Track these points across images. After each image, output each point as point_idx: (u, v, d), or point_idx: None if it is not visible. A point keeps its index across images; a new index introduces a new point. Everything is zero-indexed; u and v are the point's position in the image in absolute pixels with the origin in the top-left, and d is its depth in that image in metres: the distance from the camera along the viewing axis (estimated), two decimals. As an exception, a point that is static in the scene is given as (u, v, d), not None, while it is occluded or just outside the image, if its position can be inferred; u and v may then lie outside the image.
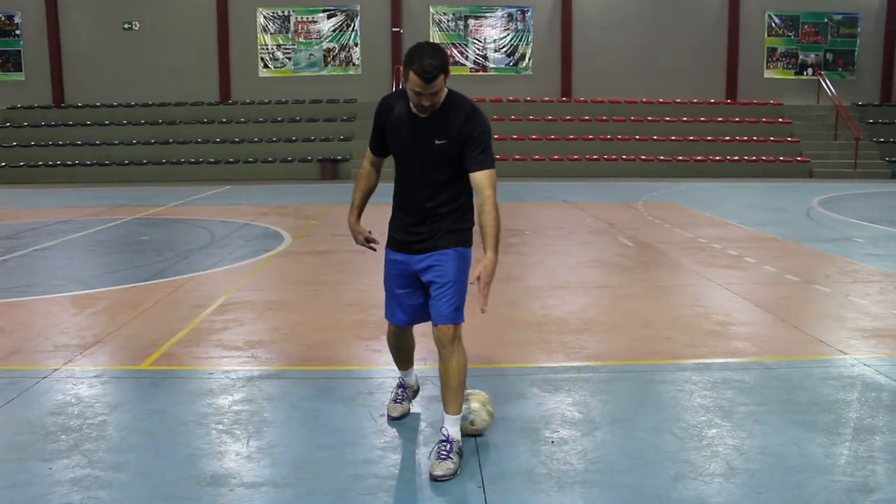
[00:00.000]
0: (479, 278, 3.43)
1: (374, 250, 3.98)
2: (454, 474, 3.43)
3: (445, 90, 3.50)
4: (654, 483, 3.35)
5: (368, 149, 3.85)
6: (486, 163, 3.51)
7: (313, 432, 3.95)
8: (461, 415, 3.64)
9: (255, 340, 5.67)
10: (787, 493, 3.24)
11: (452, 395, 3.57)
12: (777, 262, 8.73)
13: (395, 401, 4.15)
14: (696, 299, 7.00)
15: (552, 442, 3.80)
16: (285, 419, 4.15)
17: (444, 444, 3.52)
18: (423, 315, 3.79)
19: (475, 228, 3.67)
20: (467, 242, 3.70)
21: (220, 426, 4.03)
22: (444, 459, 3.46)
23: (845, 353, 5.23)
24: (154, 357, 5.27)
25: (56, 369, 4.97)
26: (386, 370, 4.93)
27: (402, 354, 4.10)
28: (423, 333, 5.52)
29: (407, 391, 4.17)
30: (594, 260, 9.12)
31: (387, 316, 3.95)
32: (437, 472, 3.41)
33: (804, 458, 3.58)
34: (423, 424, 4.04)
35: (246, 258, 9.33)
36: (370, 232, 3.94)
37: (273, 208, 15.14)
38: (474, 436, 3.83)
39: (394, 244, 3.76)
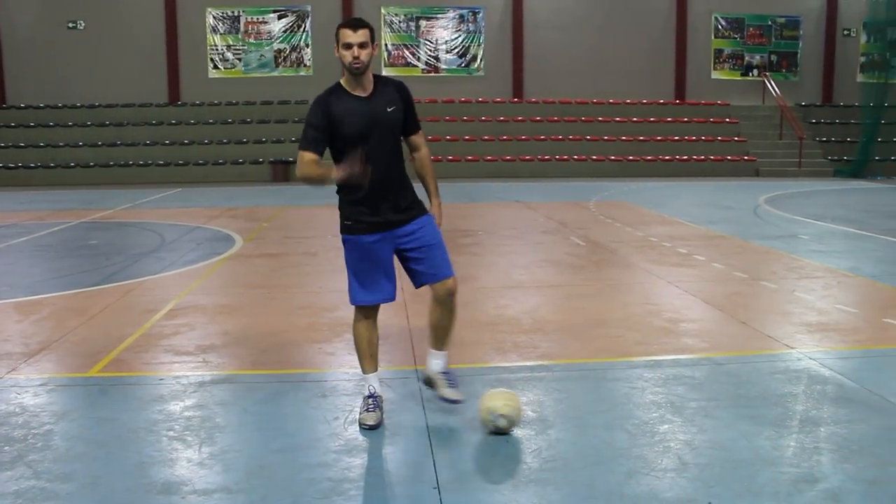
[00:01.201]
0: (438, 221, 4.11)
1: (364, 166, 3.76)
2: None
3: (370, 74, 3.90)
4: (607, 480, 3.39)
5: (305, 153, 3.86)
6: (418, 123, 4.15)
7: (266, 437, 3.90)
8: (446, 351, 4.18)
9: (206, 345, 5.59)
10: (736, 486, 3.30)
11: (445, 335, 4.15)
12: (725, 260, 8.90)
13: (367, 410, 4.03)
14: (647, 297, 7.09)
15: (507, 441, 3.82)
16: (238, 424, 4.10)
17: (447, 375, 4.10)
18: (393, 291, 4.11)
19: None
20: (426, 209, 4.15)
21: (172, 433, 3.96)
22: (455, 387, 4.08)
23: (792, 348, 5.35)
24: (102, 364, 5.16)
25: (-1, 378, 4.84)
26: (339, 373, 4.91)
27: (372, 347, 4.12)
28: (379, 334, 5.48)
29: (377, 399, 4.07)
30: (546, 259, 9.19)
31: (360, 300, 4.05)
32: (454, 396, 4.04)
33: (753, 451, 3.65)
34: (384, 430, 4.02)
35: (197, 262, 9.19)
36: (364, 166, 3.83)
37: (224, 211, 14.95)
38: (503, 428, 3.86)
39: (366, 228, 3.95)
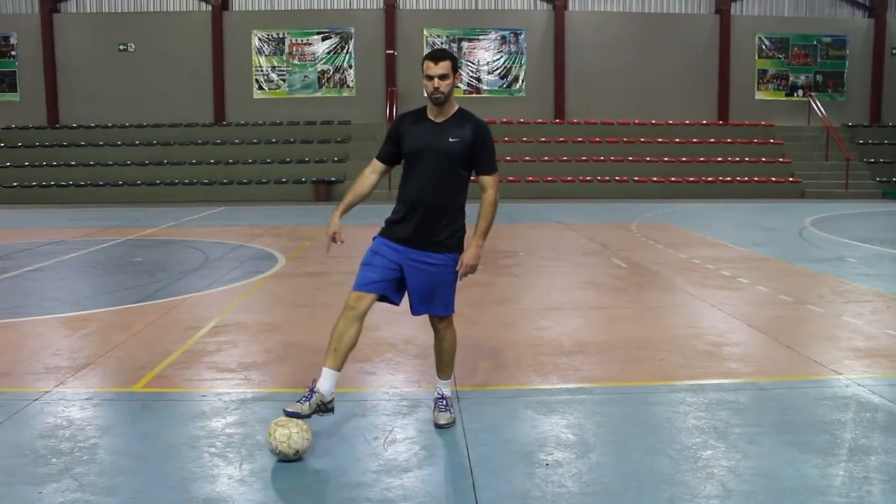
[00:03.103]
0: (462, 264, 4.11)
1: (336, 243, 4.21)
2: (453, 422, 4.26)
3: (455, 105, 4.13)
4: (649, 505, 3.33)
5: (374, 159, 4.27)
6: (492, 167, 4.17)
7: (306, 455, 3.92)
8: (450, 380, 4.36)
9: (248, 362, 5.64)
10: (782, 516, 3.22)
11: (445, 365, 4.33)
12: (770, 283, 8.75)
13: (299, 400, 3.92)
14: (690, 320, 7.00)
15: (547, 465, 3.78)
16: (278, 442, 4.11)
17: (442, 400, 4.30)
18: (384, 287, 4.10)
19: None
20: (461, 248, 4.17)
21: (213, 449, 4.00)
22: (444, 411, 4.26)
23: (839, 374, 5.23)
24: (146, 379, 5.24)
25: (47, 391, 4.93)
26: (380, 392, 4.91)
27: (342, 342, 3.99)
28: (418, 355, 5.50)
29: (314, 396, 3.92)
30: (588, 281, 9.13)
31: (357, 285, 4.08)
32: (442, 422, 4.23)
33: (799, 479, 3.57)
34: (417, 447, 4.01)
35: (240, 280, 9.31)
36: (342, 238, 4.19)
37: (267, 230, 15.13)
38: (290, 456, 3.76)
39: (392, 234, 4.12)
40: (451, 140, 4.04)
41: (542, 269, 9.89)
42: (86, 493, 3.47)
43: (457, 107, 4.15)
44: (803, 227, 15.13)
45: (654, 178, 24.68)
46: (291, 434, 3.75)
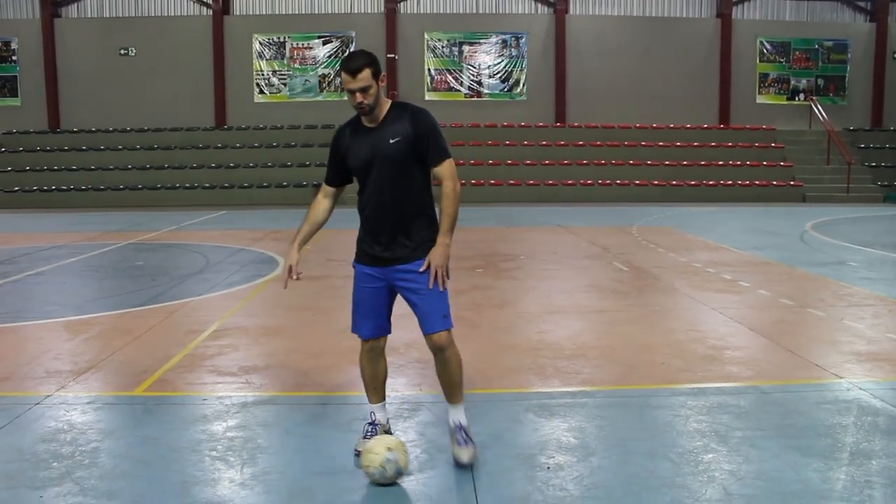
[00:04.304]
0: (429, 263, 3.73)
1: (292, 278, 3.94)
2: (475, 458, 3.78)
3: (387, 103, 3.81)
4: (650, 509, 3.33)
5: (324, 184, 4.05)
6: (442, 154, 3.78)
7: (308, 459, 3.92)
8: (462, 405, 3.88)
9: (249, 366, 5.65)
10: (784, 519, 3.22)
11: (456, 389, 3.87)
12: (771, 286, 8.74)
13: (364, 437, 3.93)
14: (691, 324, 6.99)
15: (548, 468, 3.78)
16: (280, 446, 4.12)
17: (460, 432, 3.81)
18: (385, 326, 3.94)
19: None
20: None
21: (214, 453, 4.00)
22: (464, 445, 3.77)
23: (841, 378, 5.22)
24: (148, 383, 5.24)
25: (48, 395, 4.93)
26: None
27: (377, 380, 3.99)
28: (419, 359, 5.50)
29: (377, 428, 3.96)
30: (589, 285, 9.13)
31: (354, 329, 3.97)
32: (464, 459, 3.74)
33: (801, 483, 3.56)
34: (418, 450, 4.01)
35: (240, 283, 9.31)
36: (300, 272, 3.95)
37: (268, 233, 15.14)
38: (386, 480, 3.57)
39: (366, 259, 3.87)
40: (391, 142, 3.72)
41: (543, 273, 9.89)
42: (87, 496, 3.47)
43: (389, 103, 3.82)
44: (804, 230, 15.13)
45: (656, 182, 24.67)
46: (390, 458, 3.55)
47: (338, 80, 27.20)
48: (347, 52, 27.09)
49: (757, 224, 16.72)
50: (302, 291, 8.78)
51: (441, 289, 3.73)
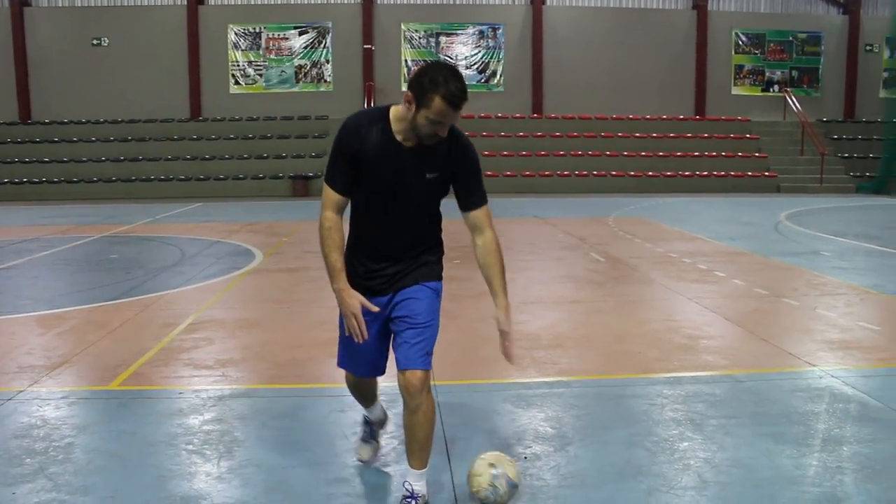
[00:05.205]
0: (504, 333, 3.27)
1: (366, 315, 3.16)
2: None
3: None
4: (627, 497, 3.36)
5: (331, 191, 3.12)
6: (483, 199, 3.22)
7: (285, 451, 3.91)
8: (424, 470, 3.22)
9: (225, 359, 5.62)
10: (757, 506, 3.26)
11: (419, 448, 3.17)
12: (746, 276, 8.83)
13: (363, 440, 3.80)
14: (667, 314, 7.05)
15: (525, 458, 3.80)
16: (256, 438, 4.10)
17: (409, 499, 3.17)
18: (383, 362, 3.41)
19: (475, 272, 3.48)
20: (440, 276, 3.35)
21: (191, 446, 3.98)
22: None
23: (814, 365, 5.29)
24: (122, 377, 5.20)
25: (21, 391, 4.88)
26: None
27: (367, 395, 3.68)
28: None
29: (374, 427, 3.79)
30: (565, 275, 9.16)
31: (342, 365, 3.46)
32: None
33: (774, 469, 3.61)
34: (396, 441, 4.01)
35: (216, 276, 9.25)
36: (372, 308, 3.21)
37: (244, 225, 15.04)
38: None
39: (357, 288, 3.18)
40: (428, 177, 3.09)
41: (520, 264, 9.91)
42: (61, 492, 3.44)
43: None
44: (779, 221, 15.29)
45: (632, 173, 24.81)
46: (497, 474, 3.21)
47: (314, 72, 27.06)
48: (324, 43, 26.89)
49: (732, 214, 16.87)
50: (278, 284, 8.75)
51: (512, 363, 3.31)
